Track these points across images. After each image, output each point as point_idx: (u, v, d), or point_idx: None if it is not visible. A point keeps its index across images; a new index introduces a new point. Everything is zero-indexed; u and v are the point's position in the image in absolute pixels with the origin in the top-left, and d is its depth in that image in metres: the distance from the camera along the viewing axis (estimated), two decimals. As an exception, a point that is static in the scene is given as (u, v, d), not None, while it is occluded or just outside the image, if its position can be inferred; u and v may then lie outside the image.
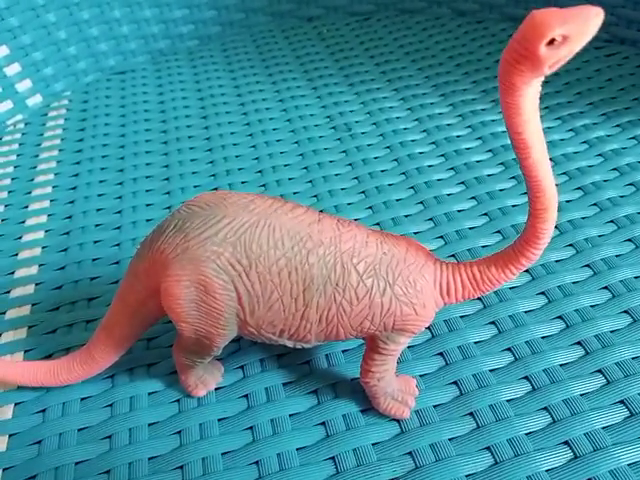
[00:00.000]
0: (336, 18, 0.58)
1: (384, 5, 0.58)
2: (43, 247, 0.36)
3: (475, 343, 0.28)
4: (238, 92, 0.49)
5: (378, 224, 0.35)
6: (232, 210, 0.22)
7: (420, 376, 0.27)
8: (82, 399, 0.27)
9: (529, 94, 0.18)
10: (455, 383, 0.26)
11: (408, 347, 0.28)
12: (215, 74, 0.52)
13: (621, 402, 0.25)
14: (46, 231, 0.37)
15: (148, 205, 0.38)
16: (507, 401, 0.25)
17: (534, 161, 0.19)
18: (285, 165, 0.40)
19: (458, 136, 0.41)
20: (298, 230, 0.22)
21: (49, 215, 0.38)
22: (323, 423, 0.25)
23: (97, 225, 0.37)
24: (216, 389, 0.27)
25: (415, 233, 0.34)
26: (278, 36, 0.57)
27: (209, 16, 0.57)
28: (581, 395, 0.25)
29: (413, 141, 0.41)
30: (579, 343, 0.27)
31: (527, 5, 0.54)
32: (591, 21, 0.16)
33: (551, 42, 0.16)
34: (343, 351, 0.28)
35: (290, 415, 0.26)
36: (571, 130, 0.40)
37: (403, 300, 0.22)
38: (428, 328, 0.29)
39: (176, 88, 0.50)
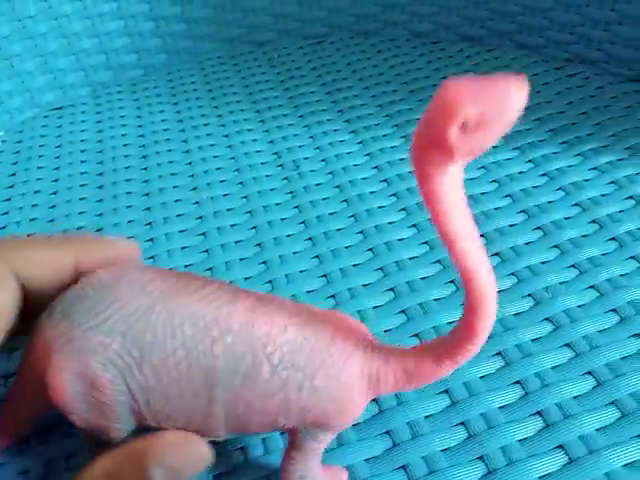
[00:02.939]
0: (288, 42, 0.56)
1: (338, 27, 0.56)
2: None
3: (426, 417, 0.25)
4: (181, 127, 0.46)
5: (324, 276, 0.32)
6: (125, 292, 0.19)
7: (365, 460, 0.24)
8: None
9: (448, 181, 0.15)
10: (403, 468, 0.24)
11: (353, 425, 0.25)
12: (158, 107, 0.49)
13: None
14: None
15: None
16: (460, 489, 0.23)
17: (463, 251, 0.16)
18: (228, 210, 0.38)
19: (410, 172, 0.38)
20: (203, 315, 0.19)
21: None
22: (254, 524, 0.23)
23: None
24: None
25: (364, 285, 0.31)
26: (227, 63, 0.54)
27: (153, 44, 0.54)
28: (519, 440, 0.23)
29: (364, 179, 0.38)
30: (539, 413, 0.25)
31: (484, 24, 0.52)
32: (512, 97, 0.13)
33: (464, 124, 0.13)
34: (282, 434, 0.25)
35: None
36: (530, 161, 0.38)
37: (324, 395, 0.19)
38: (374, 401, 0.26)
39: (116, 124, 0.47)
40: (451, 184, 0.15)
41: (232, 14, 0.55)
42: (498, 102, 0.13)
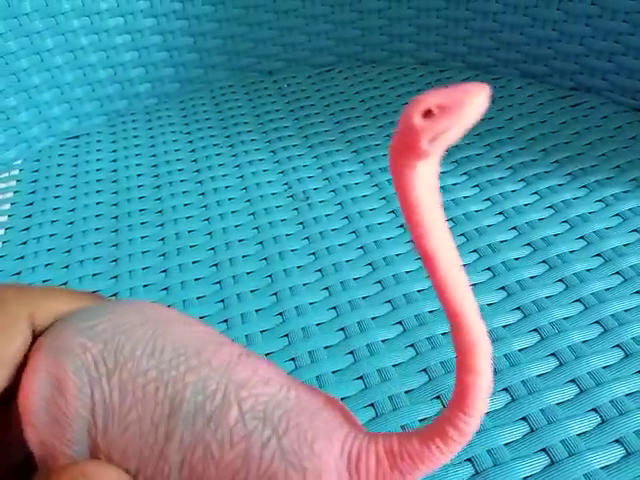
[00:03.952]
0: (297, 71, 0.57)
1: (346, 56, 0.57)
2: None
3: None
4: (194, 157, 0.47)
5: (334, 308, 0.33)
6: (121, 309, 0.20)
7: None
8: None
9: (418, 179, 0.15)
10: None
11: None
12: (171, 136, 0.50)
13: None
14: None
15: (94, 292, 0.36)
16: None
17: (441, 272, 0.15)
18: (240, 240, 0.38)
19: (418, 204, 0.39)
20: (186, 344, 0.19)
21: (-11, 306, 0.36)
22: None
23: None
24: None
25: (373, 318, 0.32)
26: (238, 92, 0.55)
27: (166, 74, 0.55)
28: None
29: (372, 210, 0.39)
30: (544, 450, 0.25)
31: (490, 53, 0.53)
32: (472, 93, 0.14)
33: (428, 114, 0.14)
34: None
35: None
36: (536, 193, 0.39)
37: (291, 460, 0.17)
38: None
39: (130, 154, 0.48)
40: (422, 183, 0.15)
41: (242, 44, 0.56)
42: (459, 95, 0.14)
